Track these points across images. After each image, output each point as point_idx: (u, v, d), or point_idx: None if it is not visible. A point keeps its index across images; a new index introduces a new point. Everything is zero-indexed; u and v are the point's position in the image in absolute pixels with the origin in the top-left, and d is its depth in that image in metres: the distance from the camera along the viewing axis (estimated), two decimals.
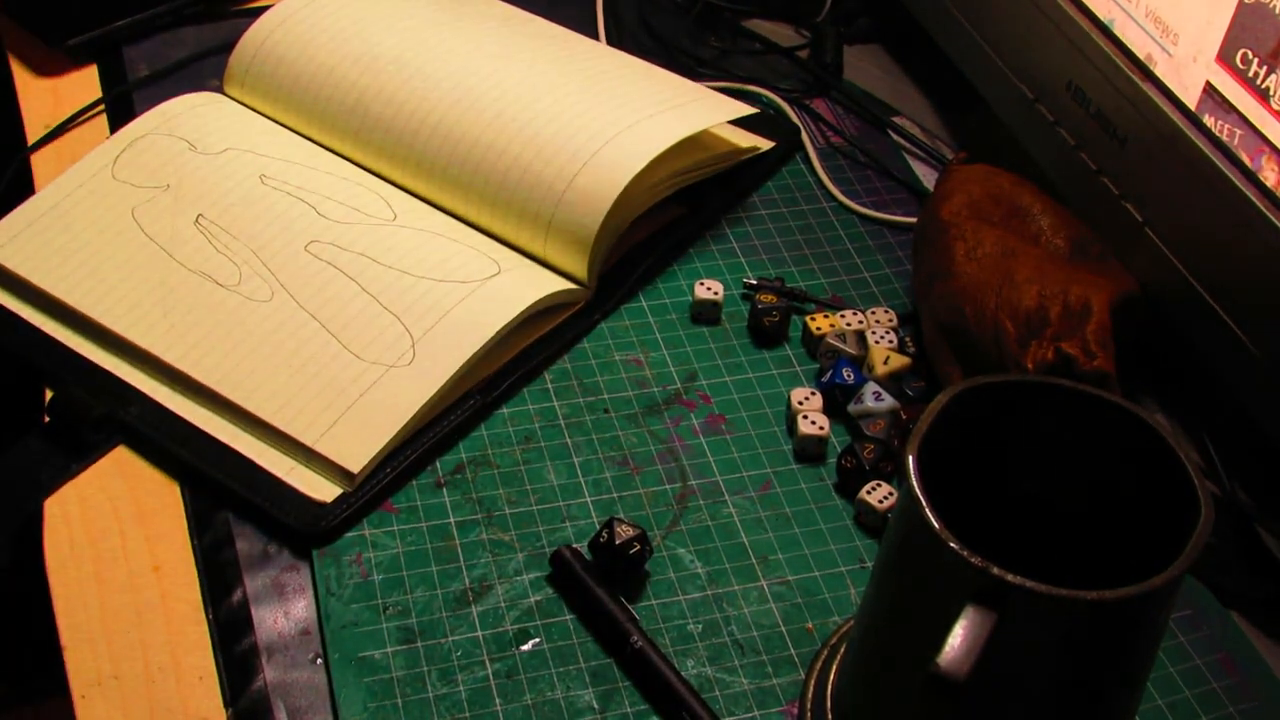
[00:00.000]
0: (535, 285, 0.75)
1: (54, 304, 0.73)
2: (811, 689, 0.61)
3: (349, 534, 0.66)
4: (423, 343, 0.71)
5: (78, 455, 0.68)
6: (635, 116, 0.79)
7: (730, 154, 0.86)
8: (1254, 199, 0.63)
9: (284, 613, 0.63)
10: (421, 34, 0.85)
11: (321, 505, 0.66)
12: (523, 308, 0.72)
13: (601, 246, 0.76)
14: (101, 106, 0.88)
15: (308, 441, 0.67)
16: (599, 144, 0.77)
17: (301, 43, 0.85)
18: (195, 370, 0.70)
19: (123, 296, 0.73)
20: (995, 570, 0.46)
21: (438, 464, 0.69)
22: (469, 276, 0.74)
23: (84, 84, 0.90)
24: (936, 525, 0.47)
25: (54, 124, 0.86)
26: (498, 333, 0.71)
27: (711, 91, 0.86)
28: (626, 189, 0.76)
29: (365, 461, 0.67)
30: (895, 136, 0.93)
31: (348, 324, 0.72)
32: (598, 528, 0.65)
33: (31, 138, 0.86)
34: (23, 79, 0.90)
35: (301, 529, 0.65)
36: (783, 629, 0.64)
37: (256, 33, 0.86)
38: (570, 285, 0.76)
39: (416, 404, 0.68)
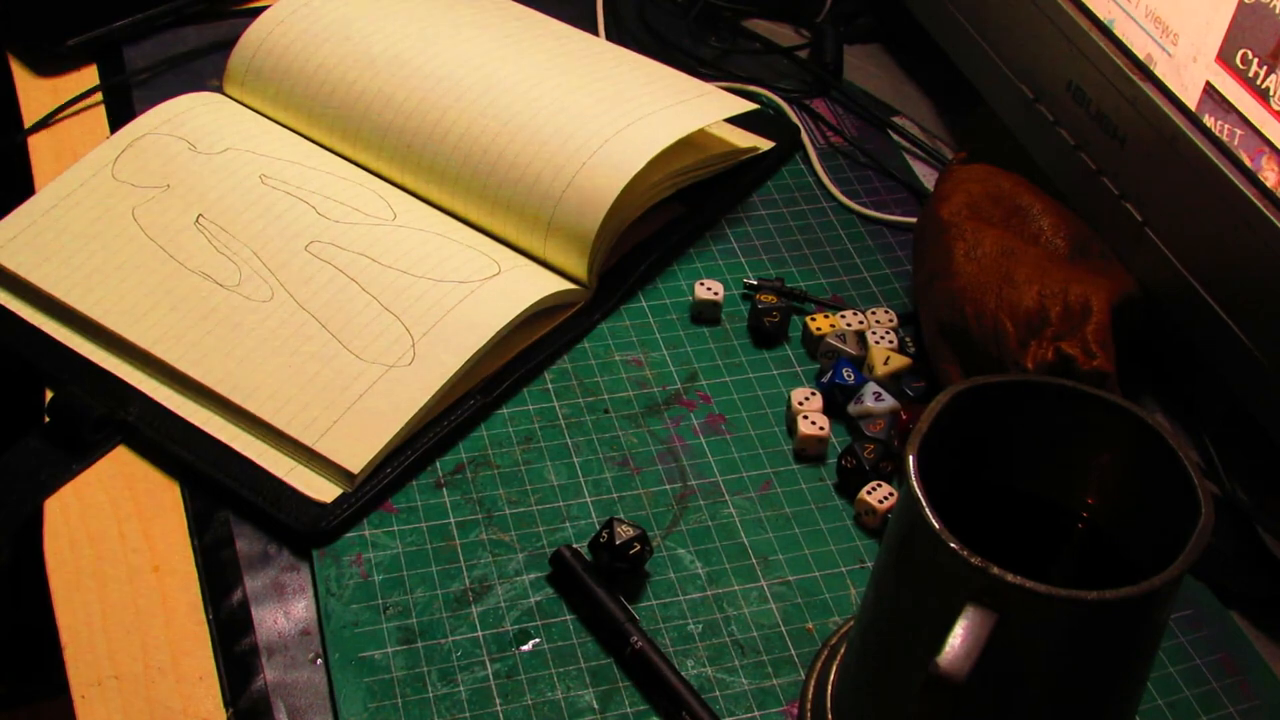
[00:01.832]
0: (535, 285, 0.75)
1: (54, 304, 0.73)
2: (811, 689, 0.61)
3: (349, 534, 0.66)
4: (423, 343, 0.71)
5: (78, 455, 0.68)
6: (634, 115, 0.79)
7: (730, 154, 0.86)
8: (1254, 199, 0.63)
9: (284, 613, 0.63)
10: (420, 33, 0.85)
11: (321, 505, 0.66)
12: (523, 308, 0.72)
13: (601, 246, 0.76)
14: (99, 96, 0.88)
15: (308, 442, 0.67)
16: (598, 143, 0.77)
17: (301, 42, 0.85)
18: (195, 370, 0.70)
19: (123, 297, 0.73)
20: (995, 570, 0.46)
21: (438, 464, 0.69)
22: (469, 276, 0.74)
23: (84, 84, 0.90)
24: (936, 525, 0.47)
25: (54, 124, 0.86)
26: (498, 333, 0.71)
27: (711, 87, 0.86)
28: (626, 188, 0.76)
29: (365, 461, 0.67)
30: (895, 136, 0.93)
31: (348, 324, 0.72)
32: (598, 528, 0.65)
33: (31, 138, 0.86)
34: (23, 79, 0.90)
35: (301, 529, 0.65)
36: (783, 629, 0.64)
37: (256, 32, 0.85)
38: (570, 285, 0.76)
39: (417, 404, 0.68)
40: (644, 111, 0.80)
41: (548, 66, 0.83)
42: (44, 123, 0.85)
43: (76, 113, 0.87)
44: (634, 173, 0.76)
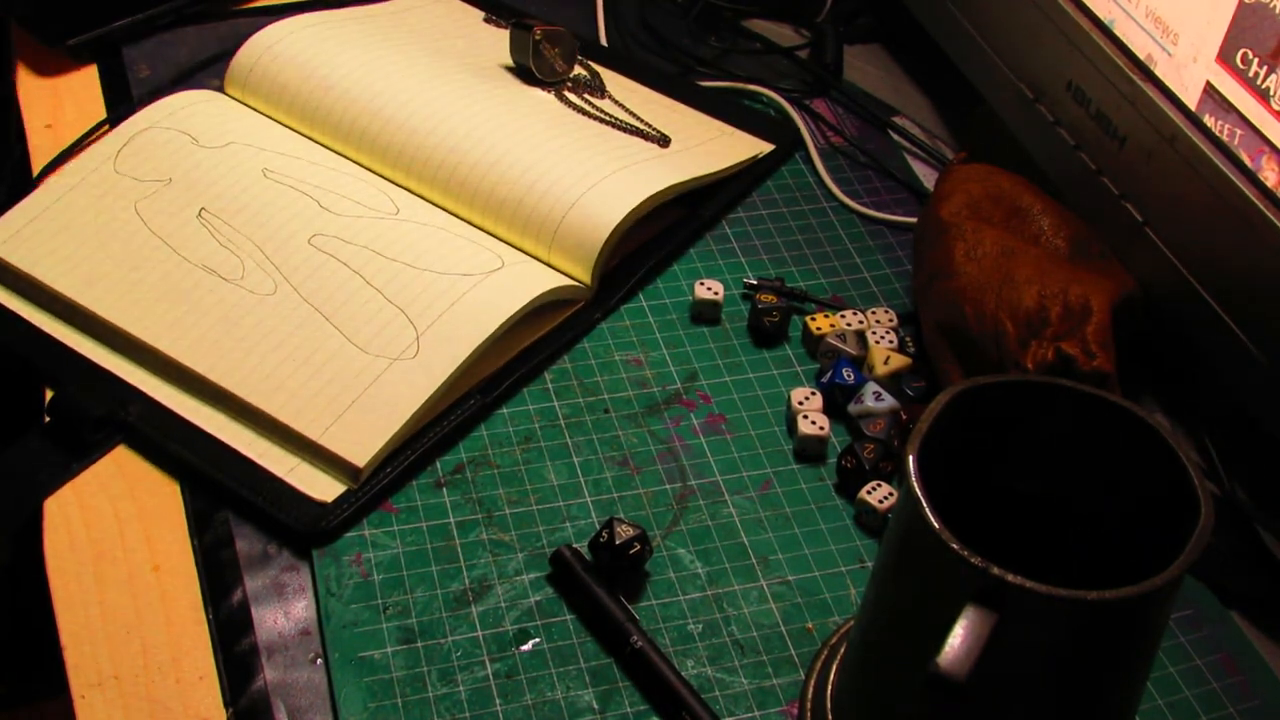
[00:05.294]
0: (538, 279, 0.75)
1: (56, 299, 0.73)
2: (811, 689, 0.61)
3: (349, 534, 0.66)
4: (427, 336, 0.71)
5: (78, 455, 0.68)
6: (649, 152, 0.82)
7: (731, 168, 0.86)
8: (1254, 199, 0.63)
9: (284, 613, 0.63)
10: (433, 50, 0.86)
11: (322, 505, 0.66)
12: (527, 300, 0.72)
13: (604, 256, 0.76)
14: (99, 96, 0.88)
15: (313, 436, 0.67)
16: (615, 167, 0.79)
17: (304, 55, 0.85)
18: (199, 365, 0.70)
19: (125, 291, 0.73)
20: (995, 570, 0.46)
21: (438, 464, 0.69)
22: (473, 270, 0.74)
23: (84, 84, 0.90)
24: (936, 525, 0.47)
25: (54, 123, 0.86)
26: (501, 325, 0.71)
27: (729, 129, 0.87)
28: (633, 210, 0.77)
29: (372, 455, 0.66)
30: (895, 136, 0.93)
31: (352, 317, 0.72)
32: (598, 528, 0.65)
33: (32, 137, 0.86)
34: (23, 79, 0.90)
35: (301, 529, 0.65)
36: (783, 629, 0.64)
37: (259, 42, 0.86)
38: (573, 281, 0.76)
39: (422, 397, 0.68)
40: (658, 151, 0.82)
41: (558, 120, 0.85)
42: (55, 164, 0.85)
43: (84, 137, 0.87)
44: (645, 197, 0.77)
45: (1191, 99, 0.67)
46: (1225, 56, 0.64)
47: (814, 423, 0.71)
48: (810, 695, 0.60)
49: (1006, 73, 0.81)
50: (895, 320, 0.78)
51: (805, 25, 1.00)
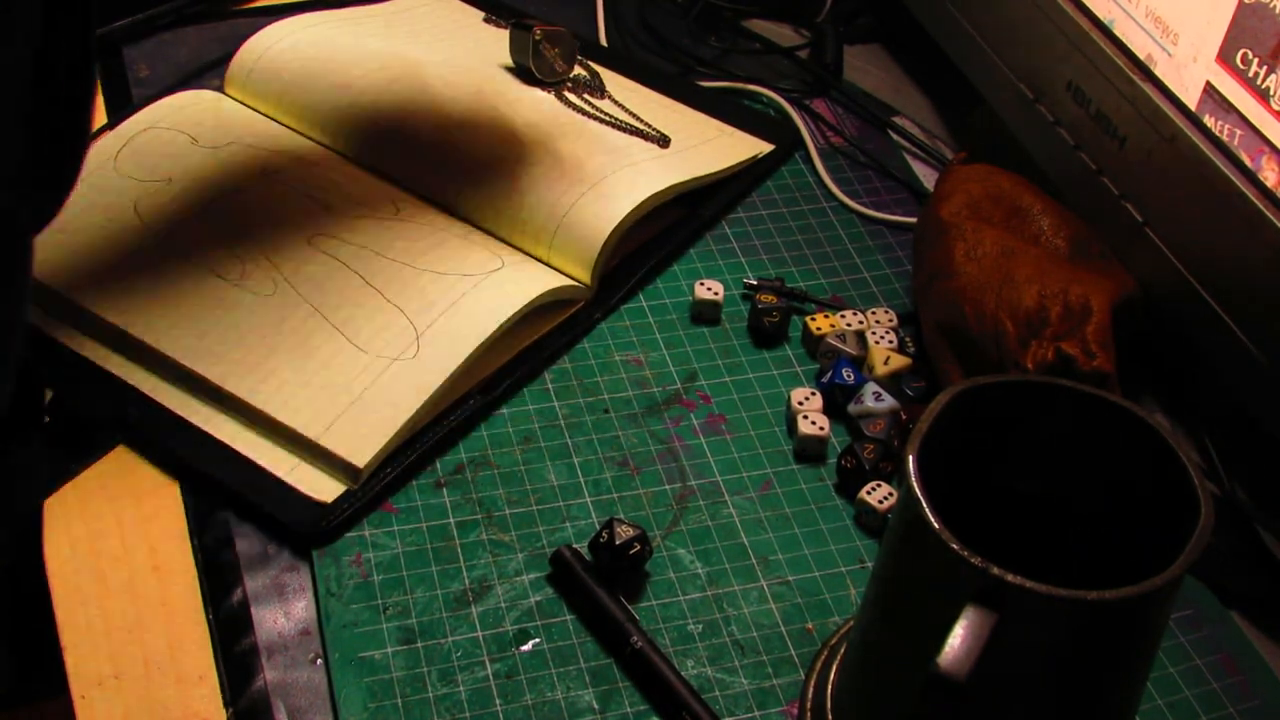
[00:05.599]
0: (538, 279, 0.75)
1: (55, 299, 0.73)
2: (811, 689, 0.61)
3: (349, 534, 0.66)
4: (427, 336, 0.71)
5: (78, 455, 0.68)
6: (651, 152, 0.82)
7: (731, 168, 0.86)
8: (1254, 199, 0.63)
9: (284, 613, 0.63)
10: (430, 44, 0.86)
11: (322, 505, 0.66)
12: (527, 300, 0.72)
13: (604, 256, 0.76)
14: (99, 96, 0.88)
15: (313, 436, 0.67)
16: (614, 167, 0.79)
17: (304, 54, 0.85)
18: (198, 365, 0.70)
19: (124, 291, 0.73)
20: (995, 570, 0.46)
21: (438, 464, 0.69)
22: (473, 270, 0.74)
23: None
24: (936, 525, 0.47)
25: None
26: (501, 325, 0.71)
27: (729, 129, 0.87)
28: (633, 210, 0.77)
29: (371, 456, 0.66)
30: (895, 136, 0.93)
31: (351, 317, 0.72)
32: (598, 528, 0.65)
33: None
34: None
35: (302, 529, 0.65)
36: (783, 629, 0.64)
37: (259, 41, 0.86)
38: (573, 281, 0.76)
39: (422, 397, 0.68)
40: (658, 152, 0.81)
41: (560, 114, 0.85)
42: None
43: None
44: (645, 197, 0.77)
45: (1191, 99, 0.67)
46: (1225, 56, 0.64)
47: (814, 423, 0.71)
48: (810, 695, 0.60)
49: (1006, 73, 0.81)
50: (895, 320, 0.78)
51: (805, 25, 1.00)
